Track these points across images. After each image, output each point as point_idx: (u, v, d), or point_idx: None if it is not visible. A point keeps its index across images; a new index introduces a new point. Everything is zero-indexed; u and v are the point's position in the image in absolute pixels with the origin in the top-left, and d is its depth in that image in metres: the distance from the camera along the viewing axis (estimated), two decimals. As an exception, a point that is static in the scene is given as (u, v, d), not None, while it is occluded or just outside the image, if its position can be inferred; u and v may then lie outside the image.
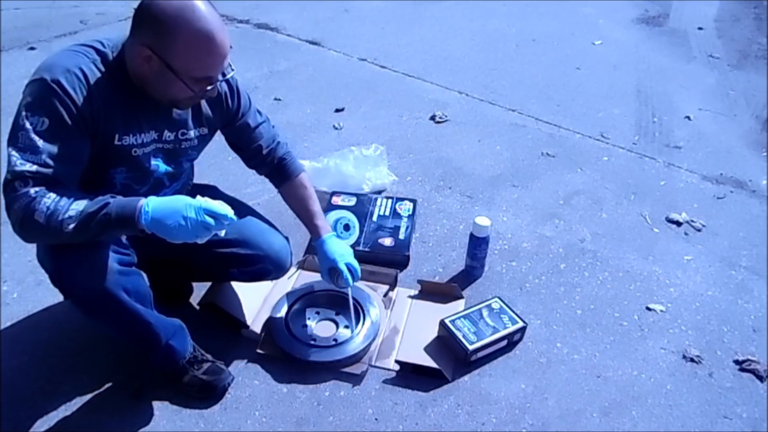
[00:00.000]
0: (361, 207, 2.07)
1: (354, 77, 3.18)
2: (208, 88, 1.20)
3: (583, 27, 4.02)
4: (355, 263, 1.54)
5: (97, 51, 1.18)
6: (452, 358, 1.58)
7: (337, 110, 2.83)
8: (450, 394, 1.51)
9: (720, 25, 4.20)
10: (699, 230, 2.14)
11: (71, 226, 1.07)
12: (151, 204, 1.11)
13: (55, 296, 1.49)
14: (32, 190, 1.07)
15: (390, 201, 2.11)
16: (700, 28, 4.08)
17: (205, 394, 1.45)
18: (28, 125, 1.10)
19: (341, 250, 1.54)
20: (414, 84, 3.15)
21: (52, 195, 1.07)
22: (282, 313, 1.64)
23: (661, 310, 1.79)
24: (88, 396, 1.45)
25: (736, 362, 1.63)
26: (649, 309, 1.79)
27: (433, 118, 2.80)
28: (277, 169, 1.57)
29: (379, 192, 2.24)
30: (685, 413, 1.49)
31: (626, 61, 3.51)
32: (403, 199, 2.12)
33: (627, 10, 4.36)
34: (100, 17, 3.77)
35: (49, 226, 1.06)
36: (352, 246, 1.89)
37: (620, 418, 1.47)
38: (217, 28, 1.13)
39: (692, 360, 1.63)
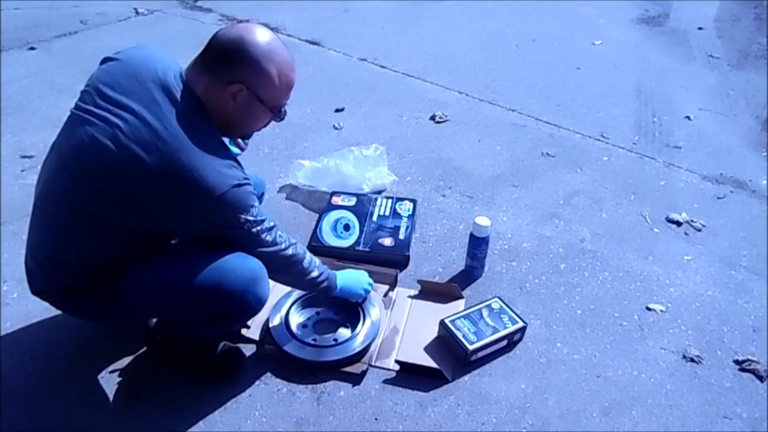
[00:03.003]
0: (361, 207, 2.07)
1: (354, 77, 3.18)
2: (279, 113, 1.32)
3: (583, 27, 4.02)
4: None
5: (195, 111, 1.19)
6: (452, 358, 1.58)
7: (337, 110, 2.83)
8: (450, 394, 1.51)
9: (720, 25, 4.20)
10: (699, 230, 2.14)
11: (314, 274, 1.44)
12: (342, 282, 1.57)
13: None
14: (292, 240, 1.37)
15: (390, 201, 2.11)
16: (700, 28, 4.08)
17: (221, 376, 1.51)
18: (251, 218, 1.24)
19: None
20: (414, 84, 3.15)
21: (307, 252, 1.43)
22: (282, 312, 1.64)
23: (661, 310, 1.79)
24: (88, 396, 1.46)
25: (736, 362, 1.63)
26: (649, 309, 1.79)
27: (433, 118, 2.80)
28: None
29: (379, 192, 2.24)
30: (685, 413, 1.49)
31: (626, 61, 3.51)
32: (403, 199, 2.12)
33: (627, 10, 4.36)
34: (100, 17, 3.77)
35: (307, 270, 1.42)
36: (352, 246, 1.91)
37: (620, 418, 1.47)
38: (292, 57, 1.26)
39: (692, 360, 1.63)
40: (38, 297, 1.33)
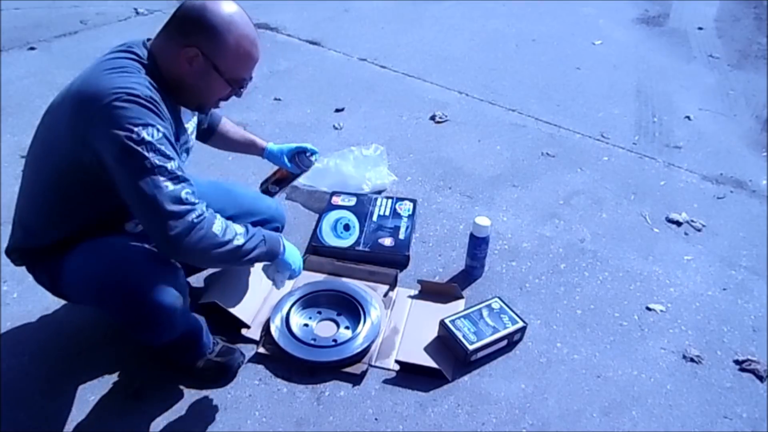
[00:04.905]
0: (361, 207, 2.07)
1: (354, 77, 3.18)
2: (240, 89, 1.30)
3: (583, 27, 4.02)
4: (308, 145, 1.73)
5: (143, 65, 1.20)
6: (452, 358, 1.58)
7: (337, 110, 2.83)
8: (450, 394, 1.51)
9: (720, 25, 4.20)
10: (699, 230, 2.14)
11: (238, 242, 1.20)
12: (286, 246, 1.38)
13: (55, 296, 1.50)
14: (203, 205, 1.15)
15: (390, 201, 2.11)
16: (700, 28, 4.08)
17: (220, 375, 1.50)
18: (147, 137, 1.09)
19: (288, 144, 1.73)
20: (414, 84, 3.15)
21: (218, 215, 1.19)
22: (283, 312, 1.64)
23: (661, 310, 1.79)
24: (88, 396, 1.46)
25: (736, 362, 1.63)
26: (649, 309, 1.79)
27: (433, 118, 2.80)
28: (209, 125, 1.66)
29: (379, 192, 2.24)
30: (685, 413, 1.49)
31: (626, 61, 3.51)
32: (403, 199, 2.12)
33: (627, 10, 4.36)
34: (100, 17, 3.77)
35: (222, 239, 1.16)
36: (352, 246, 1.91)
37: (620, 418, 1.47)
38: (257, 35, 1.26)
39: (692, 360, 1.63)
40: (9, 259, 1.38)
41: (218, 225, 1.16)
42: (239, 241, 1.20)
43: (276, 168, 1.79)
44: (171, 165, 1.10)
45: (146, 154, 1.08)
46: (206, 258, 1.18)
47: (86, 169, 1.17)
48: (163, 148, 1.10)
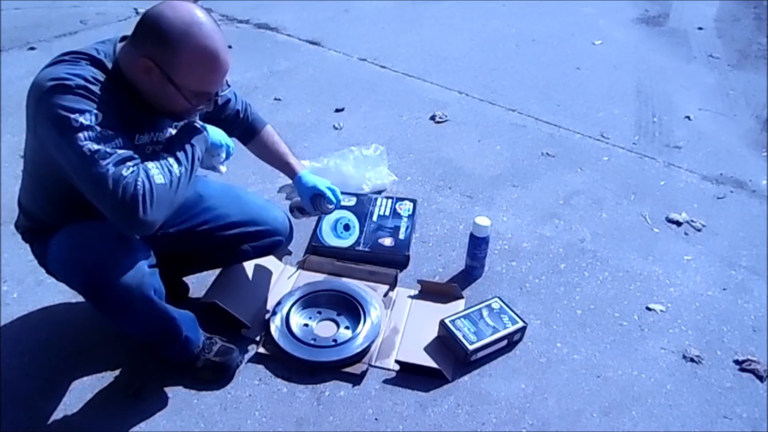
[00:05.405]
0: (361, 207, 2.07)
1: (354, 77, 3.18)
2: (206, 102, 1.25)
3: (583, 27, 4.02)
4: (335, 188, 1.65)
5: (92, 60, 1.18)
6: (452, 358, 1.58)
7: (337, 110, 2.83)
8: (450, 394, 1.51)
9: (720, 25, 4.20)
10: (699, 230, 2.14)
11: (180, 170, 1.17)
12: (207, 127, 1.33)
13: (55, 296, 1.50)
14: (141, 168, 1.10)
15: (390, 201, 2.11)
16: (700, 28, 4.08)
17: (218, 375, 1.49)
18: (85, 121, 1.07)
19: (320, 179, 1.64)
20: (414, 84, 3.15)
21: (147, 162, 1.13)
22: (283, 312, 1.64)
23: (661, 310, 1.79)
24: (88, 396, 1.46)
25: (736, 362, 1.63)
26: (649, 309, 1.79)
27: (433, 118, 2.80)
28: (248, 127, 1.63)
29: (379, 192, 2.24)
30: (685, 413, 1.49)
31: (626, 61, 3.51)
32: (403, 199, 2.12)
33: (627, 10, 4.35)
34: (100, 17, 3.77)
35: (172, 184, 1.14)
36: (352, 246, 1.91)
37: (620, 418, 1.47)
38: (220, 46, 1.16)
39: (692, 360, 1.63)
40: (18, 232, 1.43)
41: (159, 175, 1.12)
42: (178, 169, 1.17)
43: None
44: (109, 147, 1.08)
45: (83, 142, 1.06)
46: (176, 203, 1.17)
47: (45, 157, 1.20)
48: (101, 131, 1.08)
